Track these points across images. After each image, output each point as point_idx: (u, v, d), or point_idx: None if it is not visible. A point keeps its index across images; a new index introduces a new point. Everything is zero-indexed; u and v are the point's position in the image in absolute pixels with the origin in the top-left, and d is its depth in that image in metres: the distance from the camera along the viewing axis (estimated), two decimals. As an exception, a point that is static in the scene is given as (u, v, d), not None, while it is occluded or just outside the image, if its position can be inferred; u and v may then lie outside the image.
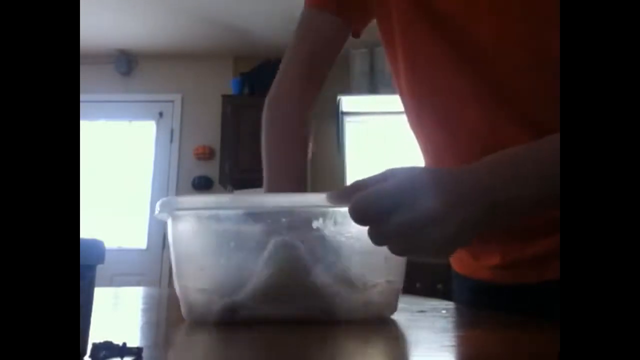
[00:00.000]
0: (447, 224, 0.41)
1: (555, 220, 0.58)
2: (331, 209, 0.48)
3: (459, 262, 0.77)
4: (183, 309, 0.52)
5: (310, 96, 0.82)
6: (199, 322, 0.51)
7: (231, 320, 0.49)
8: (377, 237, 0.43)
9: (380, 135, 3.88)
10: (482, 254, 0.69)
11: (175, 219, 0.51)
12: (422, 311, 0.62)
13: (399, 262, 0.52)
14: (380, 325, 0.52)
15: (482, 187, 0.43)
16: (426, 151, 0.74)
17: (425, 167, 0.45)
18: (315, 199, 0.48)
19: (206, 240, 0.51)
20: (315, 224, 0.49)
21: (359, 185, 0.45)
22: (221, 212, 0.50)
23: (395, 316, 0.56)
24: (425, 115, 0.70)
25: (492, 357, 0.38)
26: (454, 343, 0.43)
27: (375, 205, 0.42)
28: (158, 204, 0.50)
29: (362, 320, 0.50)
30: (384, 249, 0.44)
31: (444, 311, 0.63)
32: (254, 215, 0.50)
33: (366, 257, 0.50)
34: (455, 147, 0.67)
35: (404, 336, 0.48)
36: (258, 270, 0.49)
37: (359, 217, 0.42)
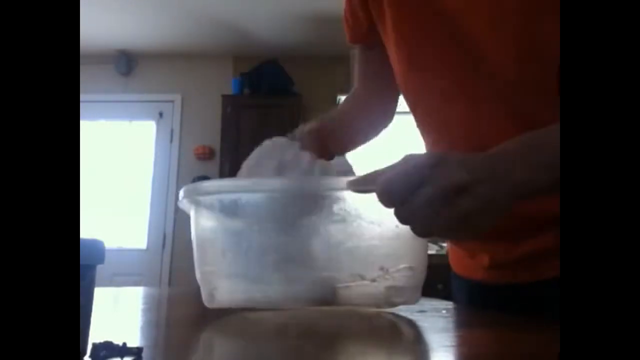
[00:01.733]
0: (475, 195, 0.41)
1: (541, 220, 0.58)
2: (352, 194, 0.47)
3: (457, 262, 0.77)
4: (204, 296, 0.52)
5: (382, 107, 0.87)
6: (221, 306, 0.51)
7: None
8: (405, 214, 0.42)
9: (380, 135, 3.87)
10: (476, 252, 0.69)
11: (197, 205, 0.51)
12: (422, 311, 0.62)
13: (419, 248, 0.52)
14: (380, 325, 0.52)
15: (502, 169, 0.43)
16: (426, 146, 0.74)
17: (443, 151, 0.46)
18: (338, 183, 0.47)
19: (227, 224, 0.51)
20: (335, 208, 0.48)
21: (379, 172, 0.44)
22: (242, 198, 0.49)
23: (395, 316, 0.56)
24: (419, 109, 0.71)
25: (492, 357, 0.38)
26: (454, 343, 0.43)
27: (403, 181, 0.41)
28: (181, 191, 0.50)
29: (385, 305, 0.51)
30: (406, 235, 0.43)
31: (444, 311, 0.63)
32: (275, 199, 0.49)
33: (387, 242, 0.49)
34: (443, 143, 0.68)
35: (404, 336, 0.48)
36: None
37: (387, 196, 0.42)
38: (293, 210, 0.49)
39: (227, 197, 0.50)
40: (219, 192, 0.50)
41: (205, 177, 3.81)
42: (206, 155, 3.87)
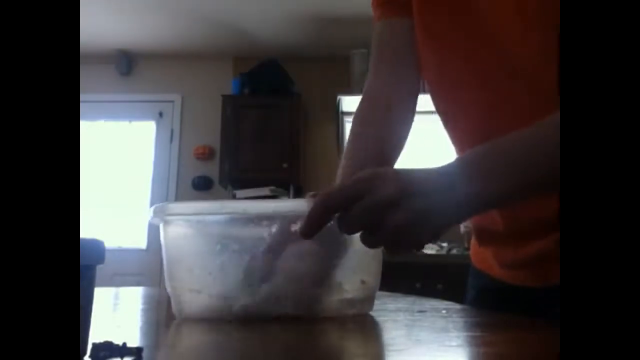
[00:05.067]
0: (407, 208, 0.42)
1: (544, 222, 0.58)
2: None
3: (475, 255, 0.77)
4: (174, 307, 0.55)
5: (402, 90, 0.78)
6: (189, 319, 0.53)
7: (231, 318, 0.52)
8: (343, 225, 0.44)
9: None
10: (496, 249, 0.70)
11: (166, 223, 0.54)
12: (422, 311, 0.62)
13: (372, 263, 0.56)
14: (380, 325, 0.52)
15: (444, 182, 0.44)
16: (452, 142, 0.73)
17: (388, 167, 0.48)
18: (294, 205, 0.52)
19: (194, 243, 0.55)
20: (294, 228, 0.52)
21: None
22: (208, 218, 0.53)
23: (396, 316, 0.56)
24: (436, 100, 0.70)
25: (491, 356, 0.38)
26: (454, 343, 0.43)
27: (340, 195, 0.44)
28: (151, 209, 0.53)
29: (339, 317, 0.54)
30: (359, 251, 0.46)
31: (444, 311, 0.63)
32: (239, 220, 0.54)
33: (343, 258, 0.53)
34: (458, 135, 0.67)
35: (404, 336, 0.48)
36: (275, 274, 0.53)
37: (324, 208, 0.44)
38: (253, 231, 0.53)
39: (193, 219, 0.54)
40: (184, 213, 0.53)
41: (205, 177, 3.81)
42: (206, 155, 3.87)
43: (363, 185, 0.43)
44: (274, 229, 0.53)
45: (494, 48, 0.59)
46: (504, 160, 0.45)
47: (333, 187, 0.46)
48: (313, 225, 0.45)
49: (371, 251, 0.46)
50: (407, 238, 0.44)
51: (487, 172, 0.45)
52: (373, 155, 0.74)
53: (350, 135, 0.77)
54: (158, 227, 0.55)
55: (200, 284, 0.53)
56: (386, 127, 0.76)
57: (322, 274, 0.54)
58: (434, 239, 0.45)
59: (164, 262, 0.55)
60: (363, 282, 0.55)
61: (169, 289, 0.55)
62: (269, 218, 0.53)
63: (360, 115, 0.78)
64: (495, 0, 0.59)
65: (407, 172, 0.45)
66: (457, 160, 0.47)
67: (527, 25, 0.57)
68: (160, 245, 0.56)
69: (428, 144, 3.63)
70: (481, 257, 0.75)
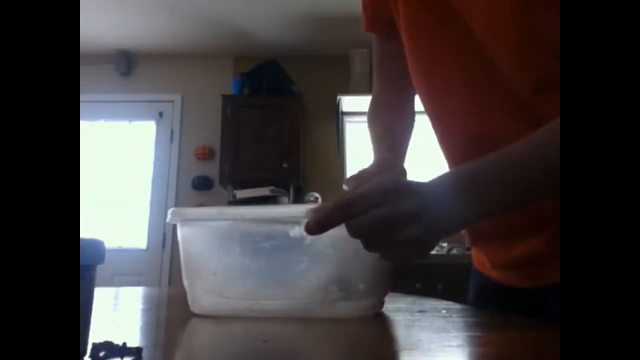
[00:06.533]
0: (422, 222, 0.43)
1: (533, 222, 0.58)
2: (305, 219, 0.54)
3: (475, 256, 0.78)
4: (190, 302, 0.59)
5: (400, 94, 0.89)
6: (201, 314, 0.57)
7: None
8: (354, 228, 0.45)
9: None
10: (487, 251, 0.70)
11: (181, 226, 0.59)
12: (422, 311, 0.62)
13: (366, 269, 0.56)
14: (380, 324, 0.52)
15: (449, 197, 0.46)
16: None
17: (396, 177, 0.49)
18: (293, 211, 0.55)
19: (203, 243, 0.59)
20: (291, 233, 0.55)
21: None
22: (211, 224, 0.58)
23: (395, 316, 0.56)
24: (425, 97, 0.71)
25: (491, 356, 0.38)
26: (454, 343, 0.43)
27: (361, 200, 0.44)
28: (169, 212, 0.58)
29: (337, 318, 0.55)
30: (351, 258, 0.47)
31: (444, 311, 0.63)
32: (238, 226, 0.57)
33: (339, 262, 0.55)
34: (446, 138, 0.68)
35: (404, 336, 0.48)
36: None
37: (342, 212, 0.45)
38: (253, 235, 0.57)
39: (203, 224, 0.58)
40: (193, 219, 0.58)
41: (205, 177, 3.81)
42: (206, 155, 3.87)
43: (385, 195, 0.44)
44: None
45: (479, 56, 0.60)
46: (495, 180, 0.46)
47: (353, 191, 0.46)
48: (326, 223, 0.46)
49: (360, 255, 0.46)
50: (413, 250, 0.45)
51: (478, 191, 0.46)
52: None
53: (373, 123, 0.90)
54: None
55: (207, 283, 0.57)
56: (396, 119, 0.89)
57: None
58: (429, 253, 0.46)
59: (182, 261, 0.59)
60: (356, 285, 0.56)
61: (185, 285, 0.59)
62: (268, 223, 0.56)
63: (375, 111, 0.91)
64: (480, 13, 0.59)
65: (426, 186, 0.46)
66: (451, 175, 0.49)
67: (498, 18, 0.57)
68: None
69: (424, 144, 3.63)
70: (478, 257, 0.76)
